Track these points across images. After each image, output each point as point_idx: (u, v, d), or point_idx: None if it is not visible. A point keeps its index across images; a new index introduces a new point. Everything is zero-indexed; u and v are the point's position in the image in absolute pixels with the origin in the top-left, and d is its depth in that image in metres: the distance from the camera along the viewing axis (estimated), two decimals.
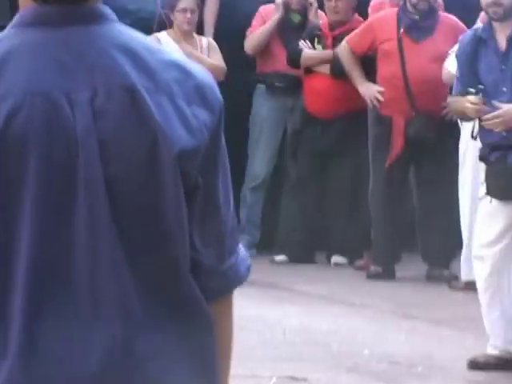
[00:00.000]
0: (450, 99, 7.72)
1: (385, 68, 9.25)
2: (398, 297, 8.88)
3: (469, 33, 7.76)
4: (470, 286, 8.17)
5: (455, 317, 8.44)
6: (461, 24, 9.18)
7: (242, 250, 2.25)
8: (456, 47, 8.14)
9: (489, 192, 6.97)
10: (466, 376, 7.17)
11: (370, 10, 9.89)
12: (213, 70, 9.07)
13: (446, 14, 9.49)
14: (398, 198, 9.17)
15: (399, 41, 9.17)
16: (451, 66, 8.30)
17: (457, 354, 7.31)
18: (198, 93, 2.08)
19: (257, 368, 7.02)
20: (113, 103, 1.93)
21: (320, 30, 9.76)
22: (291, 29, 9.86)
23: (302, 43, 9.48)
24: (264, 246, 10.02)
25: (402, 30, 9.08)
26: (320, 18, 9.97)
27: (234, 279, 2.12)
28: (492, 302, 7.20)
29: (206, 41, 9.97)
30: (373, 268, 9.20)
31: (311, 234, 9.91)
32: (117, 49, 1.99)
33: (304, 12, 9.98)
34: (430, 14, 9.31)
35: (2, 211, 1.90)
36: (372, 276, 9.16)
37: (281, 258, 9.81)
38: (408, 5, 9.15)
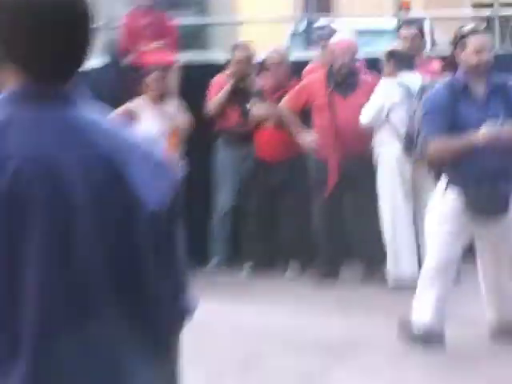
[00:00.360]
0: (440, 144, 7.60)
1: (318, 120, 10.19)
2: (340, 294, 9.98)
3: (442, 85, 7.97)
4: (398, 284, 9.71)
5: (388, 308, 9.21)
6: (376, 81, 10.18)
7: (190, 293, 2.67)
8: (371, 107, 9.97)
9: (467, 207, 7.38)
10: (398, 353, 8.16)
11: (304, 73, 10.81)
12: (186, 124, 10.57)
13: (364, 76, 10.50)
14: (337, 218, 10.24)
15: (329, 97, 10.14)
16: (363, 117, 9.84)
17: (389, 338, 8.30)
18: (160, 167, 2.53)
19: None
20: (94, 170, 2.37)
21: (263, 92, 10.85)
22: (240, 93, 10.81)
23: (250, 105, 10.61)
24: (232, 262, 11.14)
25: (330, 89, 10.14)
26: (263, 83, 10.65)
27: (184, 313, 2.58)
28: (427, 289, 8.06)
29: (176, 103, 10.87)
30: (319, 272, 10.39)
31: (270, 247, 10.98)
32: (92, 128, 2.47)
33: (248, 80, 11.03)
34: (351, 75, 10.30)
35: (6, 253, 2.23)
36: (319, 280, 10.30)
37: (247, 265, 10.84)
38: (333, 69, 10.18)
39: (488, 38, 8.04)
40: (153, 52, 11.11)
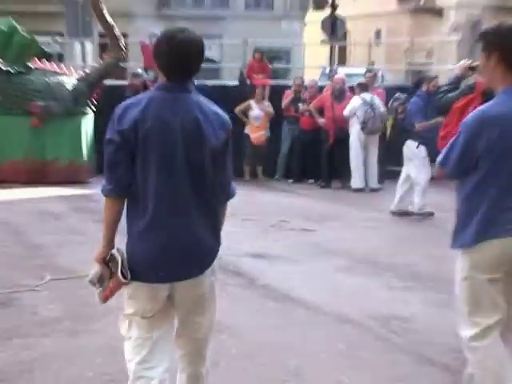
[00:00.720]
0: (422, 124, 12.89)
1: (326, 113, 16.97)
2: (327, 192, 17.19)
3: (417, 97, 13.20)
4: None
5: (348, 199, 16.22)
6: (352, 96, 16.62)
7: (233, 184, 4.36)
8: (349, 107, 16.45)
9: None
10: None
11: (324, 91, 17.98)
12: (271, 112, 17.63)
13: (348, 93, 17.09)
14: (331, 157, 17.46)
15: (331, 102, 16.94)
16: (345, 112, 16.51)
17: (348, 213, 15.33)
18: (221, 123, 4.16)
19: None
20: (189, 127, 3.99)
21: (306, 100, 17.79)
22: (296, 99, 18.01)
23: (300, 105, 17.79)
24: None
25: (332, 99, 16.93)
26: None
27: (231, 196, 4.36)
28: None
29: (267, 102, 17.86)
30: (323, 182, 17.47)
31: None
32: (195, 104, 4.08)
33: (300, 93, 18.17)
34: (342, 92, 17.09)
35: (144, 160, 4.01)
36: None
37: None
38: (334, 89, 17.03)
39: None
40: (259, 79, 18.70)
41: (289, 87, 18.57)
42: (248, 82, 19.05)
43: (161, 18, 30.34)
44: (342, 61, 35.30)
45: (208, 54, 29.34)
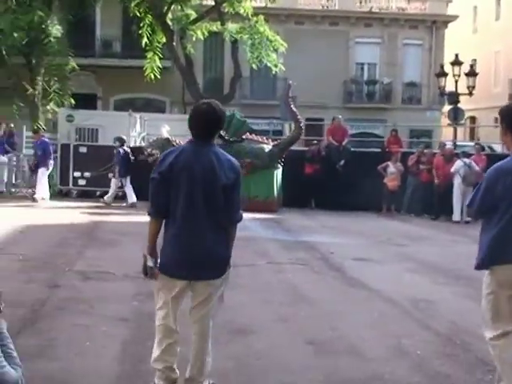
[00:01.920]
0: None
1: (437, 170, 16.95)
2: None
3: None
4: None
5: None
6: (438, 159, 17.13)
7: (241, 212, 4.17)
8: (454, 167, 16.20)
9: None
10: None
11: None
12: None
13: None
14: None
15: (443, 163, 16.81)
16: (452, 169, 16.32)
17: None
18: (231, 168, 4.06)
19: None
20: (206, 169, 3.96)
21: None
22: None
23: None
24: None
25: (443, 161, 16.99)
26: None
27: (236, 220, 4.16)
28: None
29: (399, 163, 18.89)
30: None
31: None
32: (213, 154, 4.01)
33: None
34: (451, 156, 16.91)
35: (176, 189, 4.01)
36: None
37: None
38: (445, 154, 16.99)
39: None
40: (394, 148, 18.92)
41: (413, 153, 18.41)
42: (387, 149, 19.05)
43: (346, 109, 30.70)
44: (472, 136, 34.54)
45: (375, 131, 29.91)
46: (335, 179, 17.57)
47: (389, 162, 17.94)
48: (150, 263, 4.13)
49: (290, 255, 10.31)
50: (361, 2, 32.33)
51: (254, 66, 23.59)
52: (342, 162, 18.08)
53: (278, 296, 7.58)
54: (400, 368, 5.24)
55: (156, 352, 4.22)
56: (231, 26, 23.36)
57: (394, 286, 8.28)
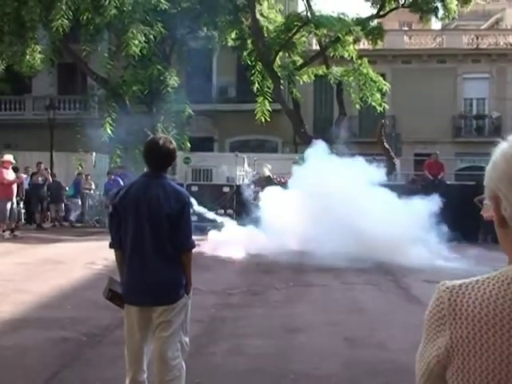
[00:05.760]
0: None
1: None
2: None
3: None
4: None
5: None
6: None
7: (192, 239, 4.22)
8: None
9: None
10: None
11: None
12: None
13: None
14: None
15: None
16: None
17: None
18: (177, 198, 4.16)
19: None
20: (151, 198, 4.10)
21: None
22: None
23: None
24: None
25: None
26: None
27: (187, 247, 4.17)
28: None
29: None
30: None
31: None
32: (160, 185, 4.13)
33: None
34: None
35: (125, 220, 4.16)
36: None
37: None
38: None
39: None
40: None
41: None
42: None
43: (455, 143, 31.13)
44: None
45: (484, 165, 29.96)
46: None
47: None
48: (114, 288, 4.37)
49: (365, 277, 11.26)
50: (469, 40, 32.73)
51: (357, 106, 24.66)
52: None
53: (338, 307, 8.71)
54: (412, 357, 6.26)
55: (126, 380, 4.35)
56: (336, 70, 24.60)
57: None
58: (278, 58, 24.09)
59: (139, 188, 4.22)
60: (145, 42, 20.03)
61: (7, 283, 9.90)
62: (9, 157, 16.55)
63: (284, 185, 16.18)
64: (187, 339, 4.42)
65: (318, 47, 26.27)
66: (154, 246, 4.12)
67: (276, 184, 16.89)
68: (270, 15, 24.56)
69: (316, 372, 5.54)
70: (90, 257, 12.36)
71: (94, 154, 24.10)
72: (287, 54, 24.73)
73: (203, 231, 17.97)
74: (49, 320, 7.38)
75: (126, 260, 4.22)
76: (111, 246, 4.34)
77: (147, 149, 4.28)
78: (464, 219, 17.57)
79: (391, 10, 25.35)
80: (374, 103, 24.28)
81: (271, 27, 24.03)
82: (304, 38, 25.01)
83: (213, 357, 5.89)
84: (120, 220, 4.22)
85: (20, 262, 12.08)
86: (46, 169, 21.24)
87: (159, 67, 21.84)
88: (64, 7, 19.20)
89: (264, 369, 5.55)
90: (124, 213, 4.19)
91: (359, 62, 24.36)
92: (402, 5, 24.89)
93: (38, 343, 6.35)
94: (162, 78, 22.03)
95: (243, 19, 23.71)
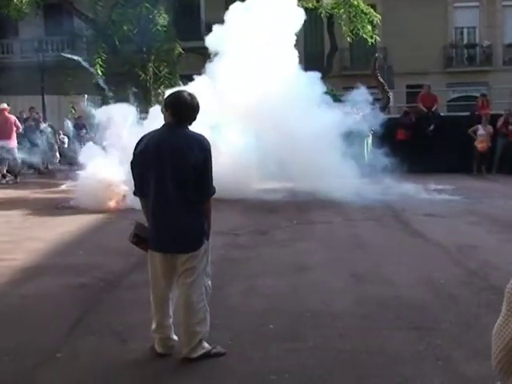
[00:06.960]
0: None
1: None
2: None
3: None
4: None
5: None
6: None
7: (213, 187, 4.26)
8: None
9: None
10: None
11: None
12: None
13: None
14: None
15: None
16: None
17: None
18: (200, 148, 4.20)
19: None
20: (174, 149, 4.13)
21: None
22: None
23: None
24: None
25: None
26: None
27: (209, 194, 4.24)
28: None
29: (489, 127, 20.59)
30: None
31: None
32: (182, 135, 4.22)
33: None
34: None
35: (147, 170, 4.23)
36: None
37: None
38: None
39: None
40: (485, 111, 19.32)
41: (501, 115, 18.91)
42: (476, 113, 19.54)
43: (447, 73, 31.06)
44: None
45: (477, 94, 29.82)
46: (426, 144, 18.42)
47: (479, 125, 18.61)
48: (140, 233, 4.47)
49: (367, 213, 11.39)
50: None
51: (348, 39, 24.45)
52: (432, 127, 18.86)
53: (342, 244, 8.89)
54: (419, 292, 6.48)
55: (153, 325, 4.54)
56: (326, 2, 24.32)
57: (448, 236, 9.29)
58: None
59: (161, 139, 4.27)
60: None
61: (16, 231, 9.95)
62: (3, 105, 16.83)
63: None
64: (210, 282, 4.54)
65: None
66: (177, 196, 4.18)
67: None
68: None
69: (330, 309, 5.74)
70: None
71: (85, 96, 23.86)
72: None
73: None
74: (64, 267, 7.47)
75: (149, 210, 4.30)
76: (135, 194, 4.45)
77: (176, 103, 4.29)
78: (459, 150, 17.92)
79: None
80: (365, 35, 24.11)
81: None
82: None
83: (229, 298, 6.09)
84: (141, 170, 4.30)
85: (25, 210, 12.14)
86: (38, 113, 21.17)
87: (147, 5, 21.58)
88: None
89: (280, 308, 5.75)
90: (145, 164, 4.26)
91: None
92: None
93: (57, 290, 6.44)
94: (150, 16, 21.68)
95: None
